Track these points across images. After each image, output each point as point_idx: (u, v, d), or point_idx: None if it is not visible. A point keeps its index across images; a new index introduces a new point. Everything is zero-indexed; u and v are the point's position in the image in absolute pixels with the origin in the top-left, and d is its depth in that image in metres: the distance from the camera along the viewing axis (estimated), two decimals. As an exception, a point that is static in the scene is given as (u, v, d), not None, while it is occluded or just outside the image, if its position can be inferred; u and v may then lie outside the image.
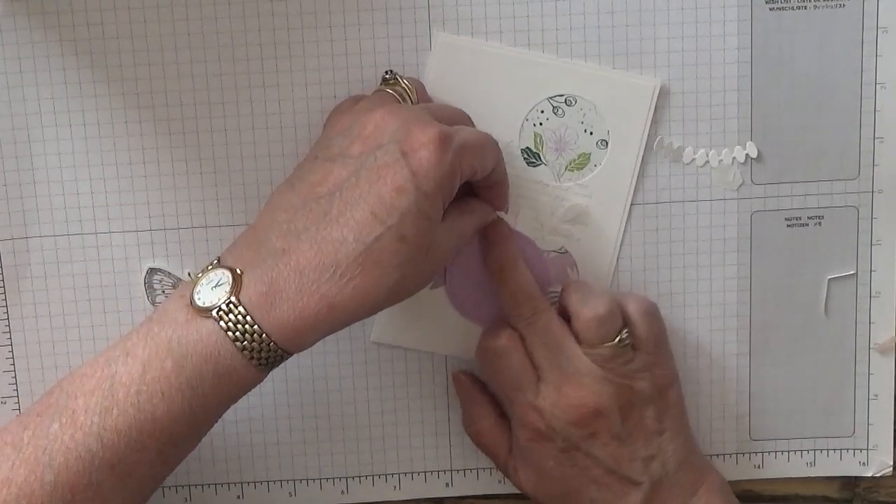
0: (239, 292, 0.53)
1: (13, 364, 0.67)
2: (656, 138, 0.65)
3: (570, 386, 0.60)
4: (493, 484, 0.69)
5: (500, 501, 0.69)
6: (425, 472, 0.69)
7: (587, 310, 0.61)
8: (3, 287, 0.66)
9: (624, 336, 0.61)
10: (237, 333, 0.52)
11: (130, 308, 0.66)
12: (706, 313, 0.67)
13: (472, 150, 0.55)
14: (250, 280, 0.53)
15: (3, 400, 0.67)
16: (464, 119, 0.60)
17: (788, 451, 0.69)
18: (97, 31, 0.63)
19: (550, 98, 0.64)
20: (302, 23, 0.63)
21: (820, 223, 0.66)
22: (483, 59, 0.64)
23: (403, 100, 0.60)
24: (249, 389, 0.54)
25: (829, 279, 0.67)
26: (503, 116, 0.64)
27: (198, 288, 0.54)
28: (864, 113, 0.65)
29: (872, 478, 0.69)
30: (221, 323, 0.52)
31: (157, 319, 0.54)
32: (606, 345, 0.60)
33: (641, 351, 0.61)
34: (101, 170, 0.65)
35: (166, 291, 0.66)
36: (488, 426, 0.65)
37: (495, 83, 0.64)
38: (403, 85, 0.60)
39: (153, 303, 0.66)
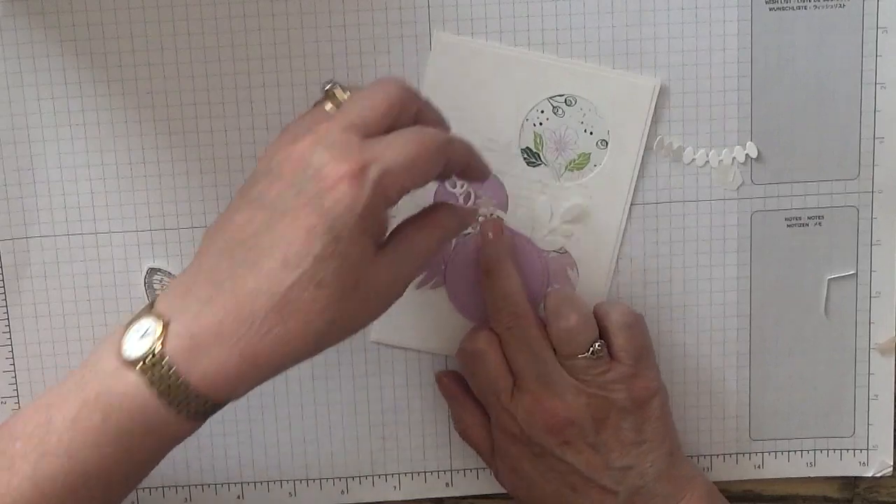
0: (165, 343, 0.50)
1: (13, 364, 0.67)
2: (656, 138, 0.65)
3: (544, 394, 0.61)
4: (493, 484, 0.69)
5: (499, 501, 0.69)
6: (425, 472, 0.69)
7: (560, 320, 0.61)
8: (3, 287, 0.66)
9: (597, 348, 0.61)
10: (163, 388, 0.50)
11: (130, 308, 0.66)
12: (706, 313, 0.67)
13: (397, 174, 0.51)
14: (176, 330, 0.50)
15: (3, 400, 0.67)
16: (407, 117, 0.54)
17: (788, 451, 0.69)
18: (97, 31, 0.63)
19: (550, 98, 0.64)
20: (302, 23, 0.63)
21: (820, 223, 0.66)
22: (483, 59, 0.64)
23: None
24: (184, 439, 0.52)
25: (829, 279, 0.67)
26: (503, 116, 0.64)
27: (127, 335, 0.51)
28: (864, 113, 0.65)
29: (872, 478, 0.69)
30: (147, 376, 0.50)
31: (90, 366, 0.52)
32: (579, 356, 0.61)
33: (619, 362, 0.61)
34: (101, 170, 0.65)
35: (166, 291, 0.66)
36: (472, 425, 0.65)
37: (495, 83, 0.64)
38: (341, 99, 0.55)
39: (153, 303, 0.66)
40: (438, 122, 0.56)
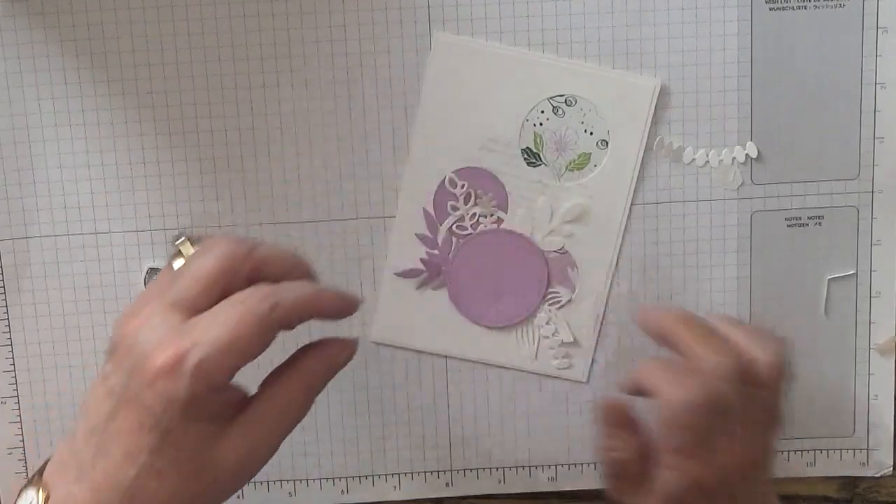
0: None
1: (13, 364, 0.67)
2: (656, 138, 0.65)
3: None
4: (493, 484, 0.69)
5: (500, 501, 0.69)
6: (425, 472, 0.69)
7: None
8: (3, 287, 0.66)
9: None
10: None
11: (130, 308, 0.66)
12: (706, 313, 0.67)
13: (217, 358, 0.49)
14: (55, 498, 0.52)
15: (3, 400, 0.67)
16: (239, 280, 0.52)
17: (788, 451, 0.69)
18: (97, 31, 0.63)
19: (550, 98, 0.64)
20: (302, 23, 0.63)
21: (820, 223, 0.66)
22: (483, 59, 0.64)
23: None
24: None
25: (829, 279, 0.67)
26: (503, 116, 0.64)
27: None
28: (864, 113, 0.65)
29: (872, 478, 0.69)
30: None
31: None
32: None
33: None
34: (101, 170, 0.65)
35: (166, 291, 0.66)
36: (630, 460, 0.58)
37: (495, 83, 0.64)
38: (186, 256, 0.55)
39: (153, 303, 0.66)
40: (285, 269, 0.54)
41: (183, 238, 0.54)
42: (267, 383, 0.53)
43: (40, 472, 0.53)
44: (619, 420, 0.58)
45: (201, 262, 0.52)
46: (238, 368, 0.50)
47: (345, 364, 0.55)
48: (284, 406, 0.53)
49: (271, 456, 0.53)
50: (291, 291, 0.52)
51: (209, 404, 0.50)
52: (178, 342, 0.49)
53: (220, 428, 0.51)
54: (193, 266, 0.52)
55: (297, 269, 0.54)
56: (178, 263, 0.55)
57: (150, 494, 0.50)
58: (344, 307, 0.55)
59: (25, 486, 0.53)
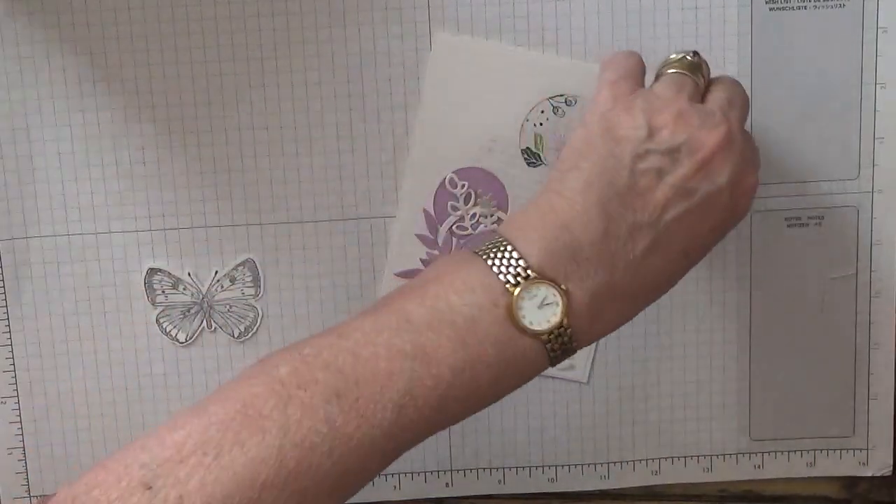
0: (569, 316, 0.52)
1: (13, 364, 0.67)
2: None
3: None
4: (493, 484, 0.69)
5: (500, 501, 0.69)
6: (425, 472, 0.69)
7: None
8: (3, 287, 0.66)
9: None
10: (556, 353, 0.52)
11: (130, 308, 0.66)
12: (706, 313, 0.67)
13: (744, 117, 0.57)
14: (576, 300, 0.52)
15: (3, 400, 0.67)
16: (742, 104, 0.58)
17: (788, 451, 0.69)
18: (97, 31, 0.63)
19: (550, 98, 0.64)
20: (302, 23, 0.63)
21: (820, 223, 0.66)
22: (483, 59, 0.64)
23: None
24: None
25: (829, 279, 0.67)
26: (504, 116, 0.64)
27: (520, 304, 0.51)
28: (864, 113, 0.65)
29: (872, 478, 0.69)
30: (549, 346, 0.52)
31: (469, 331, 0.51)
32: None
33: None
34: (101, 170, 0.65)
35: (166, 291, 0.66)
36: None
37: (495, 83, 0.64)
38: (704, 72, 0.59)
39: (153, 303, 0.66)
40: None
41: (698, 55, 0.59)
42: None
43: (535, 271, 0.52)
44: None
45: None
46: None
47: None
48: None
49: None
50: None
51: None
52: (757, 171, 0.56)
53: None
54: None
55: None
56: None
57: (673, 281, 0.55)
58: None
59: (524, 283, 0.51)
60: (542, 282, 0.51)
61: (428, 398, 0.49)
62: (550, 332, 0.51)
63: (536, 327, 0.51)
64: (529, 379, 0.53)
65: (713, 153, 0.53)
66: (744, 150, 0.55)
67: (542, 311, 0.51)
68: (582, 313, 0.52)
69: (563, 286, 0.51)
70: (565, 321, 0.51)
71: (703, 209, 0.53)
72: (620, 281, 0.52)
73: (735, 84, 0.58)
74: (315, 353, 0.49)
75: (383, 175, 0.65)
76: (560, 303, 0.51)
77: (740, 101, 0.57)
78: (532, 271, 0.51)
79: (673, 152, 0.53)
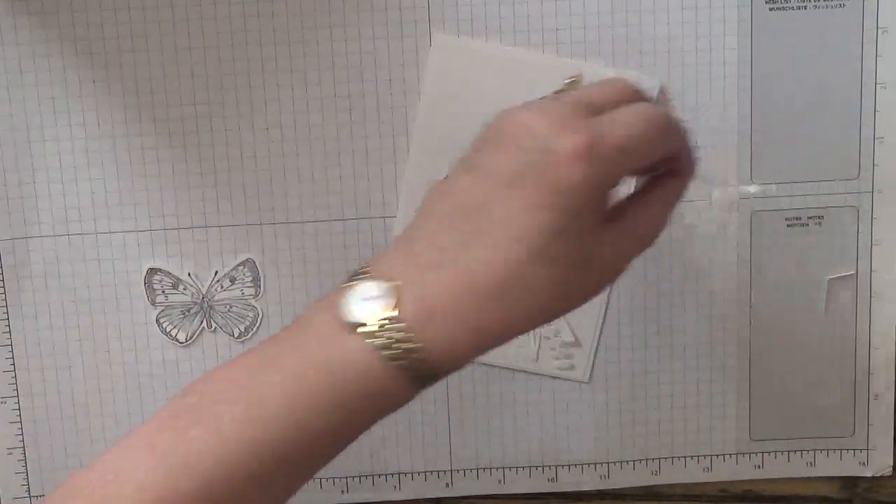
0: (399, 308, 0.48)
1: (13, 364, 0.67)
2: (656, 138, 0.65)
3: None
4: (493, 484, 0.69)
5: (499, 501, 0.69)
6: (425, 472, 0.69)
7: None
8: (3, 287, 0.66)
9: None
10: (396, 353, 0.48)
11: (130, 308, 0.66)
12: (706, 313, 0.67)
13: (629, 151, 0.49)
14: (407, 294, 0.48)
15: (3, 400, 0.67)
16: (628, 95, 0.53)
17: (788, 451, 0.69)
18: (97, 31, 0.63)
19: (550, 98, 0.64)
20: (302, 23, 0.63)
21: (820, 223, 0.66)
22: (483, 59, 0.64)
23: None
24: (397, 409, 0.50)
25: (829, 279, 0.67)
26: (503, 116, 0.64)
27: (345, 300, 0.49)
28: (864, 113, 0.65)
29: (872, 478, 0.69)
30: (377, 340, 0.48)
31: (301, 331, 0.50)
32: None
33: None
34: (101, 170, 0.65)
35: (166, 291, 0.66)
36: None
37: (495, 83, 0.64)
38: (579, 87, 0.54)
39: (153, 303, 0.66)
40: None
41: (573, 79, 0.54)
42: (625, 204, 0.53)
43: (360, 272, 0.50)
44: None
45: (613, 80, 0.52)
46: (634, 170, 0.51)
47: (689, 180, 0.54)
48: (650, 217, 0.52)
49: (620, 272, 0.52)
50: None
51: (604, 198, 0.50)
52: (588, 130, 0.49)
53: (601, 226, 0.50)
54: (602, 82, 0.52)
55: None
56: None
57: (534, 280, 0.49)
58: (694, 164, 0.54)
59: (351, 282, 0.49)
60: (369, 278, 0.49)
61: (275, 406, 0.48)
62: (377, 324, 0.48)
63: (360, 319, 0.48)
64: (379, 398, 0.50)
65: (510, 125, 0.50)
66: (556, 109, 0.50)
67: (367, 305, 0.48)
68: (414, 306, 0.48)
69: (395, 281, 0.49)
70: (392, 312, 0.48)
71: (510, 183, 0.49)
72: (453, 276, 0.49)
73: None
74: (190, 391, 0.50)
75: (383, 175, 0.65)
76: (387, 294, 0.48)
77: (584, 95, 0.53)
78: (364, 269, 0.50)
79: (488, 139, 0.51)
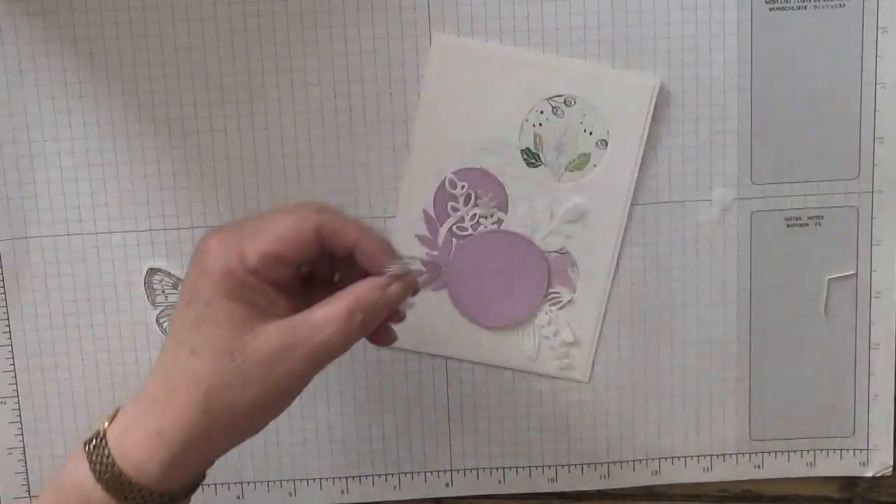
0: (109, 425, 0.51)
1: (13, 364, 0.67)
2: (656, 138, 0.65)
3: None
4: (493, 484, 0.69)
5: (499, 501, 0.69)
6: (425, 472, 0.69)
7: None
8: (3, 287, 0.66)
9: None
10: (105, 476, 0.50)
11: (130, 308, 0.66)
12: (706, 313, 0.67)
13: (256, 236, 0.51)
14: (121, 415, 0.52)
15: (3, 400, 0.67)
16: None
17: (788, 451, 0.69)
18: (97, 31, 0.63)
19: (550, 98, 0.64)
20: (302, 23, 0.63)
21: (820, 223, 0.66)
22: (483, 59, 0.64)
23: None
24: None
25: (829, 279, 0.67)
26: (503, 117, 0.64)
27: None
28: (864, 113, 0.65)
29: (872, 478, 0.69)
30: (91, 463, 0.51)
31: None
32: None
33: None
34: (101, 170, 0.65)
35: (166, 291, 0.66)
36: None
37: (495, 83, 0.64)
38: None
39: (153, 303, 0.66)
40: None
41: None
42: (315, 298, 0.53)
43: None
44: None
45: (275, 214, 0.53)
46: (274, 256, 0.51)
47: (400, 298, 0.54)
48: (322, 318, 0.51)
49: (300, 379, 0.52)
50: (339, 214, 0.53)
51: (246, 287, 0.51)
52: (227, 229, 0.52)
53: (258, 318, 0.51)
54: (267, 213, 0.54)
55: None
56: None
57: (185, 376, 0.50)
58: (385, 247, 0.54)
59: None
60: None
61: None
62: (90, 441, 0.51)
63: (84, 437, 0.52)
64: None
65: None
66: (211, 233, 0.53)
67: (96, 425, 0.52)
68: (118, 425, 0.51)
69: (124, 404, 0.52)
70: (102, 431, 0.51)
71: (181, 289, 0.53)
72: (148, 385, 0.52)
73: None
74: None
75: (383, 175, 0.65)
76: (110, 414, 0.52)
77: None
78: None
79: None
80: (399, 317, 0.56)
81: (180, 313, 0.52)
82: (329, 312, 0.51)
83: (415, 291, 0.55)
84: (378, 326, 0.54)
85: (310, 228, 0.52)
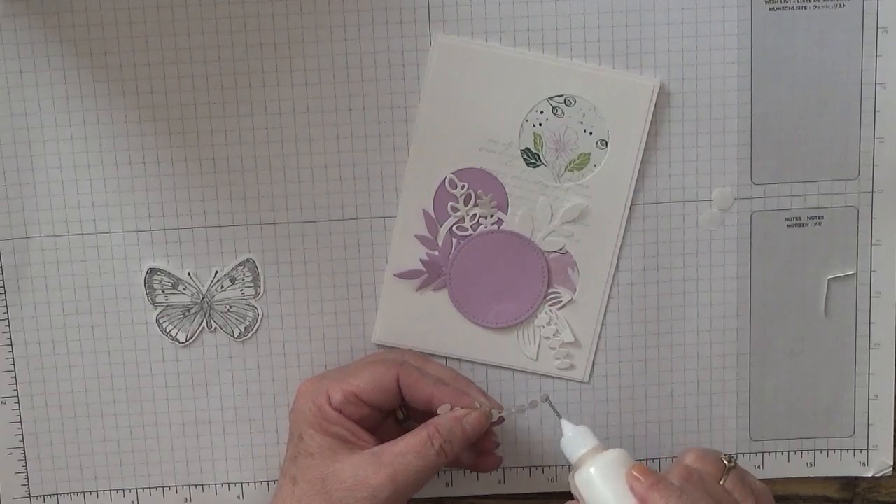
0: None
1: (13, 364, 0.67)
2: (656, 138, 0.65)
3: None
4: (493, 484, 0.69)
5: (499, 501, 0.69)
6: (425, 472, 0.69)
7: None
8: (3, 287, 0.66)
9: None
10: None
11: (130, 308, 0.66)
12: (706, 313, 0.67)
13: (342, 378, 0.61)
14: None
15: (3, 400, 0.67)
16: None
17: (788, 451, 0.69)
18: (97, 31, 0.63)
19: (550, 98, 0.64)
20: (302, 23, 0.63)
21: (820, 223, 0.66)
22: (483, 59, 0.64)
23: None
24: None
25: (829, 279, 0.67)
26: (503, 117, 0.64)
27: None
28: (864, 113, 0.65)
29: (872, 478, 0.69)
30: None
31: None
32: None
33: None
34: (101, 170, 0.65)
35: (166, 291, 0.66)
36: None
37: (495, 84, 0.64)
38: None
39: (153, 303, 0.66)
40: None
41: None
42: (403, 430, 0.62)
43: None
44: None
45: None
46: (359, 401, 0.61)
47: (477, 427, 0.61)
48: (404, 445, 0.59)
49: (385, 502, 0.59)
50: (417, 369, 0.63)
51: (333, 421, 0.60)
52: (317, 380, 0.63)
53: (347, 449, 0.60)
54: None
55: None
56: None
57: (287, 498, 0.60)
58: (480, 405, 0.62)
59: None
60: None
61: None
62: None
63: None
64: None
65: None
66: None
67: None
68: None
69: None
70: None
71: None
72: None
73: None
74: None
75: (383, 175, 0.65)
76: None
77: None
78: None
79: None
80: (492, 443, 0.64)
81: (286, 450, 0.62)
82: (410, 440, 0.59)
83: (499, 420, 0.62)
84: (481, 453, 0.63)
85: (390, 378, 0.61)
